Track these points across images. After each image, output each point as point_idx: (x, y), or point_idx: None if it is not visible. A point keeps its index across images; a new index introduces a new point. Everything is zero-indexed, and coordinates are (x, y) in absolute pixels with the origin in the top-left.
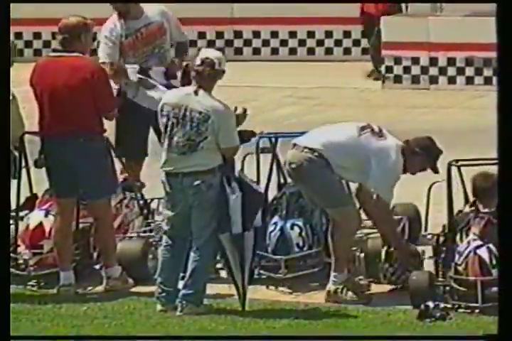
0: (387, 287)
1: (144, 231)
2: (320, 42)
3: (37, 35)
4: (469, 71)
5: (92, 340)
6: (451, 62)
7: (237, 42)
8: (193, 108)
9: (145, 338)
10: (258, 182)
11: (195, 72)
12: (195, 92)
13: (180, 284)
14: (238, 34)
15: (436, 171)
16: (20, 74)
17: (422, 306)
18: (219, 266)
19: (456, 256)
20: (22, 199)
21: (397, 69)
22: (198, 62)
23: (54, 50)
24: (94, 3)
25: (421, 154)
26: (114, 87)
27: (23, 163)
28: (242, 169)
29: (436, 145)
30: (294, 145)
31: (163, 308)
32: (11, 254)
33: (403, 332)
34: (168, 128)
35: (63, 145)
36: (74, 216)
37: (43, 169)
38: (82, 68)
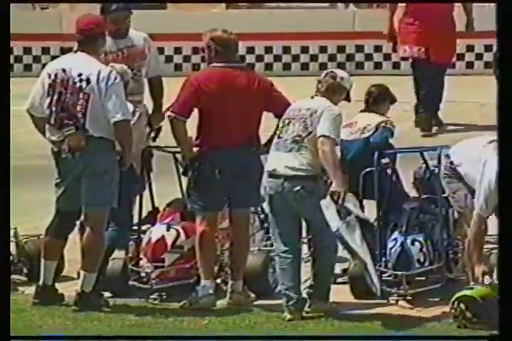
0: None
1: (265, 245)
2: None
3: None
4: None
5: (87, 340)
6: None
7: (359, 57)
8: (304, 107)
9: None
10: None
11: (318, 81)
12: (312, 97)
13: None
14: (360, 48)
15: None
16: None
17: None
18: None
19: None
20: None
21: None
22: (322, 75)
23: (218, 62)
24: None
25: None
26: None
27: (146, 178)
28: (363, 186)
29: None
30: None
31: (291, 317)
32: (134, 268)
33: None
34: (279, 129)
35: (236, 155)
36: (217, 228)
37: (163, 183)
38: (258, 77)
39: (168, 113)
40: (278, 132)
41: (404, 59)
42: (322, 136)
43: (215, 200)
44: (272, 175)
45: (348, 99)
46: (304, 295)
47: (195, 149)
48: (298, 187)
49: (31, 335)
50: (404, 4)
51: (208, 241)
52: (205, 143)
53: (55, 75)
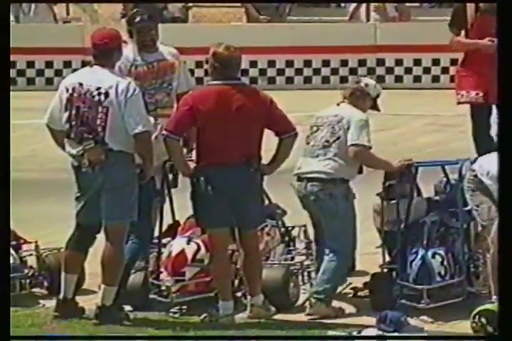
0: None
1: (285, 259)
2: None
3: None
4: None
5: (87, 340)
6: None
7: (380, 70)
8: (332, 114)
9: None
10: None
11: (345, 88)
12: (338, 104)
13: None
14: (381, 62)
15: None
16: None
17: None
18: None
19: None
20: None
21: None
22: (348, 84)
23: (215, 79)
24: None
25: None
26: None
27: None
28: (382, 200)
29: None
30: None
31: (312, 311)
32: (154, 281)
33: None
34: (308, 136)
35: (233, 174)
36: (228, 245)
37: (184, 196)
38: (255, 95)
39: (163, 131)
40: (307, 138)
41: (425, 72)
42: (352, 145)
43: (218, 217)
44: (298, 177)
45: (376, 108)
46: (311, 291)
47: (193, 166)
48: (316, 189)
49: (31, 335)
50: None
51: (220, 258)
52: (202, 160)
53: (73, 89)
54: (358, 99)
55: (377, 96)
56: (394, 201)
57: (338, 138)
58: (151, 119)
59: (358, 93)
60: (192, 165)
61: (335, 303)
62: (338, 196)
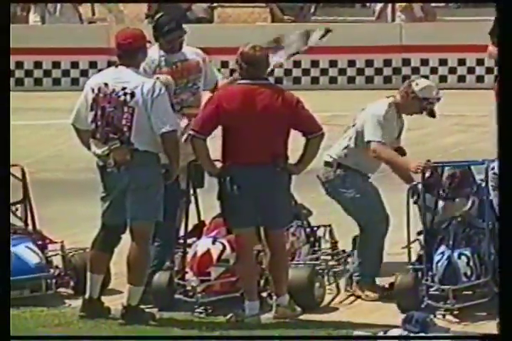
0: None
1: (311, 259)
2: (490, 70)
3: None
4: None
5: (112, 340)
6: None
7: (405, 70)
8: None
9: None
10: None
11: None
12: (387, 97)
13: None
14: (407, 62)
15: None
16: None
17: None
18: None
19: None
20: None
21: None
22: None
23: (242, 79)
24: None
25: None
26: None
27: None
28: (408, 200)
29: None
30: None
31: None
32: (180, 281)
33: None
34: None
35: (259, 173)
36: (255, 245)
37: (210, 197)
38: (282, 94)
39: (189, 131)
40: None
41: (451, 72)
42: (368, 141)
43: (244, 216)
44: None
45: (431, 113)
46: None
47: (219, 165)
48: (321, 172)
49: (31, 335)
50: None
51: (246, 258)
52: (228, 159)
53: (98, 89)
54: (403, 96)
55: (426, 99)
56: (458, 200)
57: (354, 126)
58: (185, 120)
59: (405, 90)
60: (219, 164)
61: (359, 302)
62: (335, 180)
